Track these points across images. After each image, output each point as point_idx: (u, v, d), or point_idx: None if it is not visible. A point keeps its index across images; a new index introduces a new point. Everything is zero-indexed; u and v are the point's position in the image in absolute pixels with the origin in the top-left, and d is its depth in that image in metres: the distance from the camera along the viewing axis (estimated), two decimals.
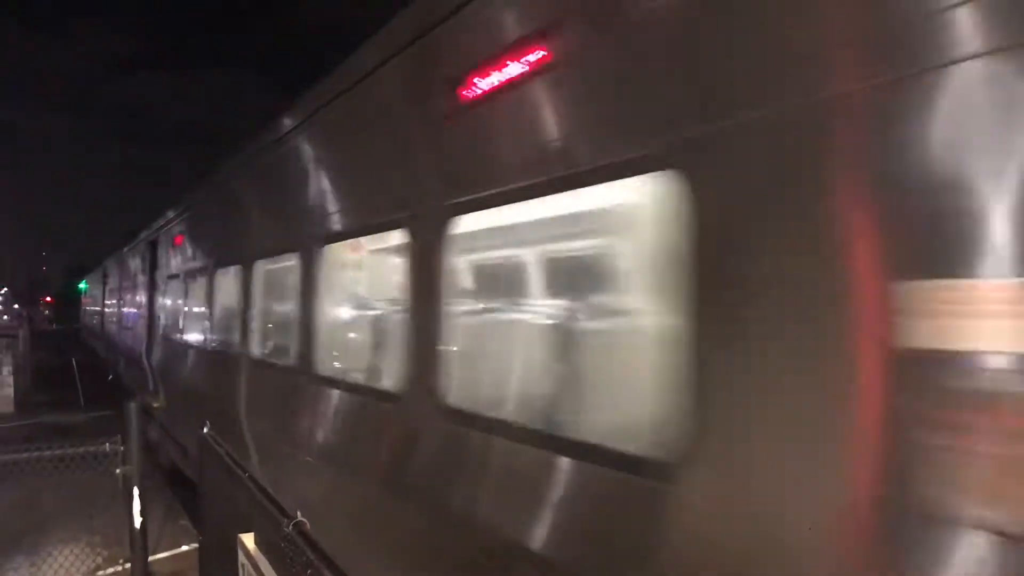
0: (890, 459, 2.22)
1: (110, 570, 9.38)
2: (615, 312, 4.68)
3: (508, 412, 4.53)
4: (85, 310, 55.58)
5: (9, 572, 9.84)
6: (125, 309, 25.58)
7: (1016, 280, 2.10)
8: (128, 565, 6.79)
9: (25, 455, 6.64)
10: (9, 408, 24.68)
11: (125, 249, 25.50)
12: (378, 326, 6.83)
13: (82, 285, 47.36)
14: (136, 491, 5.82)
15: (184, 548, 10.65)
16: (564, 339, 4.90)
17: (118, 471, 5.85)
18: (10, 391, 25.15)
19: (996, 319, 2.10)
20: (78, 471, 9.79)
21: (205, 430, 6.31)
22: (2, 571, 9.93)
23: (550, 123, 3.72)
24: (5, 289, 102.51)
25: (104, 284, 34.88)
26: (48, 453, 6.47)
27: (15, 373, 25.43)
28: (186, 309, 13.69)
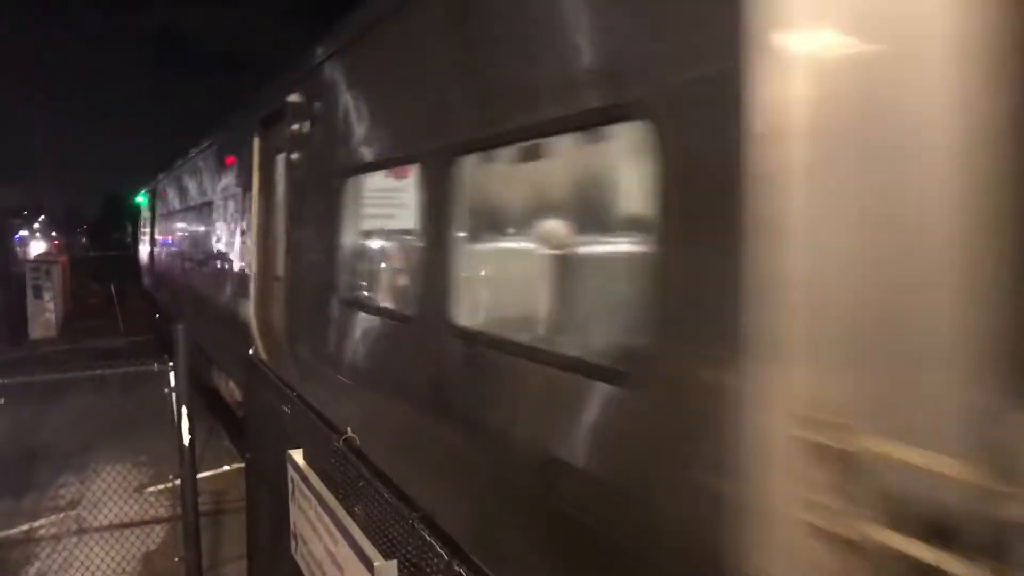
0: None
1: (161, 486, 9.68)
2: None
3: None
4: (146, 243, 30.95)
5: (60, 489, 10.19)
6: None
7: None
8: (175, 482, 6.99)
9: (77, 374, 6.83)
10: (51, 332, 25.24)
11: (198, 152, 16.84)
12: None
13: (140, 198, 32.03)
14: (184, 410, 5.98)
15: (225, 468, 10.95)
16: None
17: (167, 390, 6.01)
18: (52, 316, 25.68)
19: None
20: (125, 392, 10.05)
21: (251, 351, 6.46)
22: (53, 488, 10.28)
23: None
24: (43, 217, 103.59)
25: (158, 207, 25.29)
26: (99, 372, 6.64)
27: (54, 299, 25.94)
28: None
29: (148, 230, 26.06)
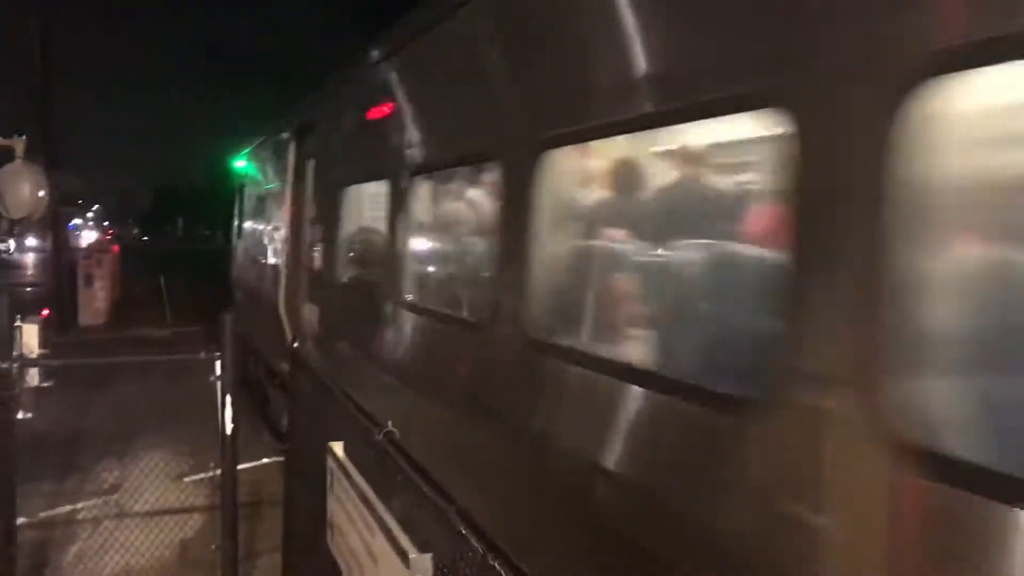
0: None
1: (200, 476, 9.82)
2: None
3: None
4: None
5: (102, 473, 10.36)
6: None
7: None
8: (214, 472, 7.09)
9: (125, 359, 6.96)
10: (100, 320, 25.68)
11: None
12: None
13: (240, 162, 18.38)
14: (229, 399, 6.06)
15: (264, 461, 11.06)
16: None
17: (212, 379, 6.09)
18: (101, 304, 26.15)
19: None
20: (170, 380, 10.20)
21: (296, 344, 6.54)
22: (95, 471, 10.46)
23: None
24: (97, 207, 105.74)
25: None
26: (147, 359, 6.74)
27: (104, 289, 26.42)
28: None
29: (238, 217, 18.33)
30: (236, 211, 18.83)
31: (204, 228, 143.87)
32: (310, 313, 9.99)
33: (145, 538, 7.48)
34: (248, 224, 17.07)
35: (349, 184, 8.55)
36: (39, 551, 8.03)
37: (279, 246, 11.92)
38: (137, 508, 8.22)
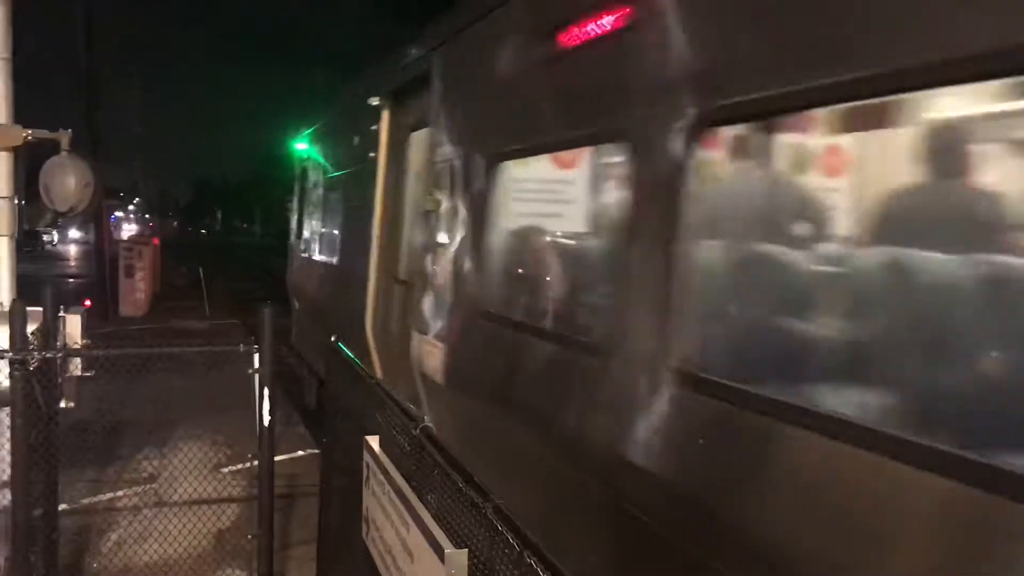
0: None
1: (237, 467, 9.94)
2: None
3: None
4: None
5: (142, 462, 10.52)
6: None
7: None
8: (251, 463, 7.16)
9: (165, 349, 7.04)
10: (140, 311, 26.04)
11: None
12: None
13: (300, 145, 14.40)
14: (267, 392, 6.11)
15: (300, 453, 11.16)
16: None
17: (251, 371, 6.15)
18: (141, 295, 26.50)
19: None
20: (208, 371, 10.31)
21: (333, 338, 6.58)
22: (135, 460, 10.62)
23: None
24: (137, 200, 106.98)
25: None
26: (187, 349, 6.83)
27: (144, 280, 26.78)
28: None
29: (297, 210, 14.94)
30: (295, 203, 14.59)
31: (241, 221, 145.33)
32: (426, 351, 6.42)
33: (183, 527, 7.57)
34: (312, 219, 13.06)
35: (506, 158, 5.34)
36: (80, 537, 8.17)
37: (363, 249, 8.45)
38: (175, 497, 8.31)
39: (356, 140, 9.50)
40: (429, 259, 6.62)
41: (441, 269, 6.28)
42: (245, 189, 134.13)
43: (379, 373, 7.38)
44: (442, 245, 6.30)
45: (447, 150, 6.32)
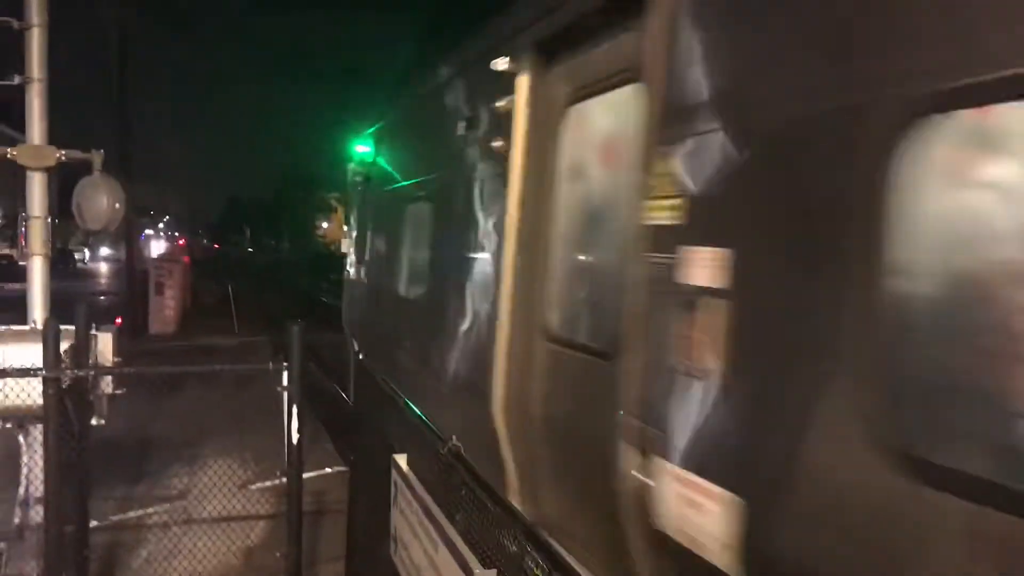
0: None
1: (265, 484, 9.98)
2: None
3: None
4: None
5: (171, 479, 10.59)
6: None
7: None
8: (280, 480, 7.20)
9: (195, 368, 7.10)
10: (170, 328, 26.27)
11: None
12: None
13: (362, 146, 10.55)
14: (295, 409, 6.15)
15: (328, 470, 11.18)
16: None
17: (279, 388, 6.19)
18: (171, 313, 26.74)
19: None
20: (237, 389, 10.39)
21: (361, 356, 6.61)
22: (164, 477, 10.69)
23: None
24: (167, 217, 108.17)
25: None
26: (216, 368, 6.87)
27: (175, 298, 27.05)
28: None
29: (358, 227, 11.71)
30: (353, 220, 11.35)
31: (269, 238, 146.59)
32: (674, 499, 3.10)
33: (212, 544, 7.61)
34: (383, 241, 9.47)
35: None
36: (110, 554, 8.23)
37: (481, 286, 5.76)
38: (204, 514, 8.37)
39: (460, 128, 6.61)
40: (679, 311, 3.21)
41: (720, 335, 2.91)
42: (274, 207, 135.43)
43: (520, 496, 3.91)
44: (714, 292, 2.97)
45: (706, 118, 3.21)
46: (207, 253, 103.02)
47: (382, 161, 9.64)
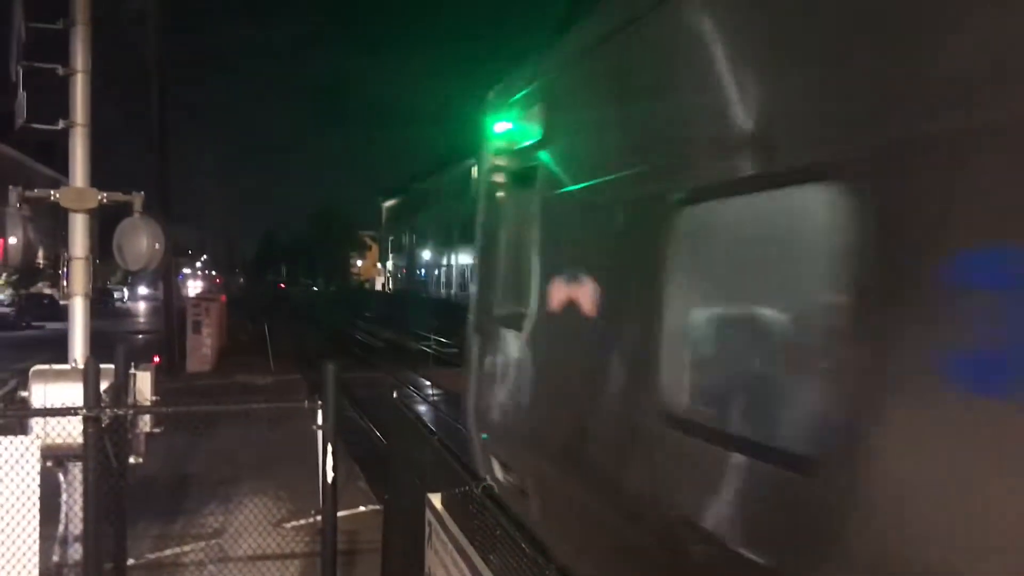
0: None
1: (299, 522, 9.99)
2: None
3: None
4: None
5: (207, 517, 10.64)
6: None
7: None
8: (314, 518, 7.22)
9: (230, 407, 7.17)
10: (207, 366, 26.51)
11: None
12: None
13: (508, 121, 6.10)
14: (330, 448, 6.18)
15: (361, 509, 11.18)
16: None
17: (315, 427, 6.23)
18: (208, 351, 27.00)
19: None
20: (273, 427, 10.46)
21: (395, 395, 6.65)
22: (200, 515, 10.74)
23: None
24: (204, 256, 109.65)
25: None
26: (252, 407, 6.93)
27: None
28: None
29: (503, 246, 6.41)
30: (492, 249, 6.69)
31: (306, 277, 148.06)
32: None
33: None
34: (570, 285, 4.88)
35: None
36: None
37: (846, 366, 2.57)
38: (239, 552, 8.38)
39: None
40: None
41: None
42: (309, 246, 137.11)
43: None
44: None
45: None
46: (244, 290, 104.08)
47: (557, 140, 5.36)
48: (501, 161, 6.33)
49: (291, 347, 32.15)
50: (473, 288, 7.16)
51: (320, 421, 6.14)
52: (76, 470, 6.34)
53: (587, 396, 4.21)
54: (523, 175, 5.71)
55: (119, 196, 7.82)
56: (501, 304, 6.07)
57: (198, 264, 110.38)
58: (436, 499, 4.52)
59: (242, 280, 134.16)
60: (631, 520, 3.60)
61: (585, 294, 4.50)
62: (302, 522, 10.03)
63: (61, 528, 6.95)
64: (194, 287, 68.11)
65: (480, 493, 3.87)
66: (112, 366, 6.54)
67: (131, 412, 6.42)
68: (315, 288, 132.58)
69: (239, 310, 47.84)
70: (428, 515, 4.57)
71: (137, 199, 7.84)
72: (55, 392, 6.66)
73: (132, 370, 6.84)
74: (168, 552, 9.40)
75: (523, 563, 3.21)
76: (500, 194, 6.47)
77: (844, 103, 2.67)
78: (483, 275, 6.81)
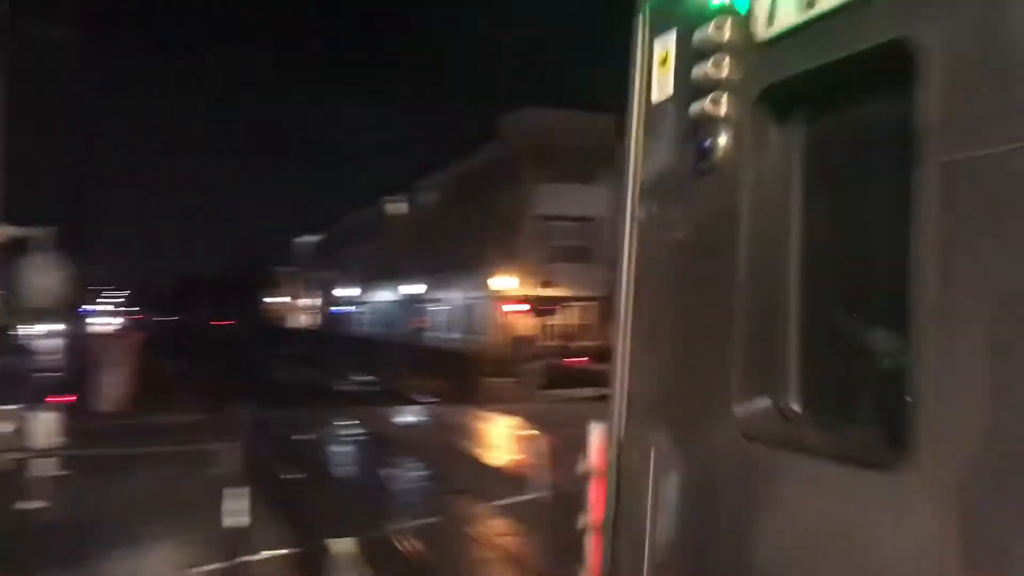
0: None
1: (211, 566, 9.70)
2: None
3: None
4: None
5: (115, 562, 10.26)
6: None
7: None
8: (227, 564, 7.04)
9: (141, 450, 6.97)
10: (121, 406, 25.74)
11: None
12: None
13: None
14: (244, 491, 6.05)
15: (281, 551, 10.92)
16: None
17: (223, 470, 6.10)
18: (121, 390, 26.27)
19: None
20: (185, 468, 10.18)
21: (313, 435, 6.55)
22: (108, 560, 10.35)
23: None
24: (123, 294, 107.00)
25: None
26: (160, 449, 6.77)
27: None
28: None
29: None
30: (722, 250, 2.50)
31: (220, 314, 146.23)
32: None
33: None
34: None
35: None
36: None
37: None
38: None
39: None
40: None
41: None
42: (226, 284, 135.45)
43: None
44: None
45: None
46: (158, 327, 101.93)
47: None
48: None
49: (210, 385, 31.37)
50: (620, 352, 3.06)
51: (232, 463, 6.03)
52: None
53: None
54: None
55: (26, 232, 7.62)
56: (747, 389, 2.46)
57: (113, 301, 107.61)
58: (340, 544, 4.46)
59: (163, 317, 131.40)
60: None
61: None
62: (214, 567, 9.76)
63: None
64: (106, 324, 66.32)
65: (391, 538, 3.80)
66: (14, 407, 6.33)
67: (27, 457, 6.21)
68: (236, 324, 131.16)
69: (158, 347, 46.69)
70: (332, 560, 4.50)
71: (45, 234, 7.64)
72: None
73: (32, 412, 6.61)
74: None
75: None
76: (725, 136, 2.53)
77: None
78: (658, 323, 2.96)
